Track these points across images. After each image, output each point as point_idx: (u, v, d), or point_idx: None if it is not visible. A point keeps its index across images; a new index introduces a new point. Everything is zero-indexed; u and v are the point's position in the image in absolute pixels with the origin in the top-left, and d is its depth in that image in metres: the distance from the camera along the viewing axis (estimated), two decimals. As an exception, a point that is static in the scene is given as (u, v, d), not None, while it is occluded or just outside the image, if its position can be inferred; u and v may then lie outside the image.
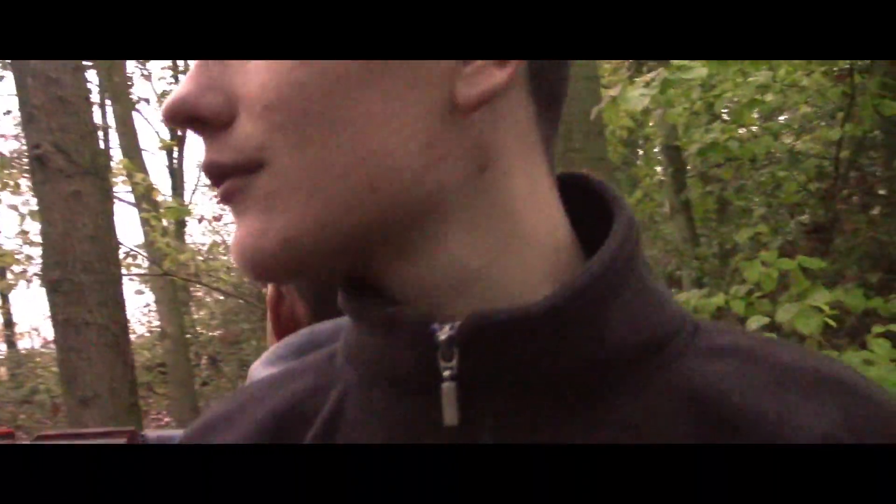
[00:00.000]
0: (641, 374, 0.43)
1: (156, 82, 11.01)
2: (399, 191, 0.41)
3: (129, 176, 4.87)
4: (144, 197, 4.92)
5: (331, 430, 0.47)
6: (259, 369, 0.91)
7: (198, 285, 9.37)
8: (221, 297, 9.83)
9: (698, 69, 2.43)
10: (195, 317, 9.11)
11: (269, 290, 0.94)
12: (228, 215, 9.76)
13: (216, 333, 9.30)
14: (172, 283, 6.14)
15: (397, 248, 0.43)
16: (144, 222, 4.91)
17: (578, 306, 0.41)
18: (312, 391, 0.50)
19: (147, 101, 8.15)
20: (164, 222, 4.79)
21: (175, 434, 1.20)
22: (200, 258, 5.49)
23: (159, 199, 5.07)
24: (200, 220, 6.06)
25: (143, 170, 5.93)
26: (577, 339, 0.42)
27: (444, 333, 0.41)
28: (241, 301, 8.95)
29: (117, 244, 3.65)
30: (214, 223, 7.39)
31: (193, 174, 13.91)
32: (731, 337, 0.46)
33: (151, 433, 1.22)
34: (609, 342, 0.42)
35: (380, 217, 0.42)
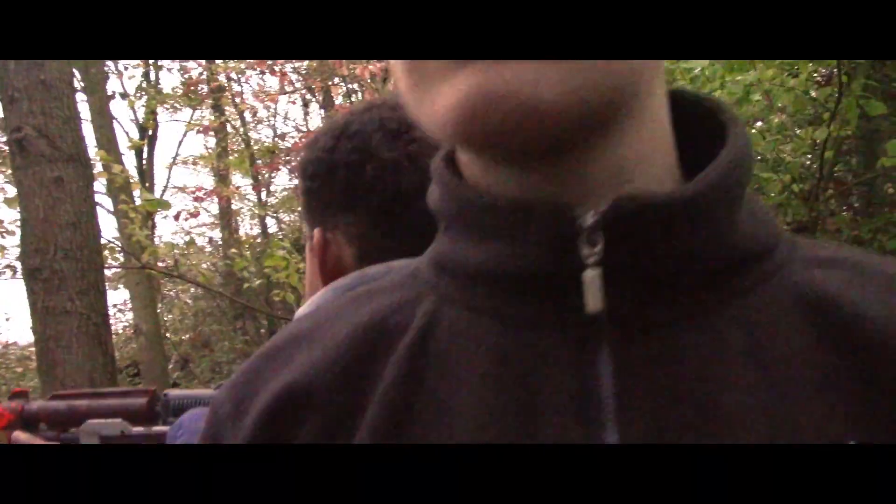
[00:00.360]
0: (758, 275, 0.43)
1: (126, 81, 10.85)
2: (640, 68, 0.40)
3: (106, 168, 4.78)
4: (122, 189, 4.83)
5: (426, 338, 0.45)
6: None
7: (168, 286, 9.24)
8: (190, 301, 9.71)
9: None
10: (166, 318, 8.97)
11: (316, 235, 0.92)
12: (205, 214, 9.65)
13: (186, 337, 9.18)
14: (149, 279, 6.02)
15: (587, 132, 0.41)
16: (122, 214, 4.81)
17: (715, 197, 0.41)
18: (398, 305, 0.48)
19: (123, 95, 8.03)
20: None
21: (199, 393, 1.17)
22: (179, 251, 5.40)
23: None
24: (177, 217, 5.96)
25: (120, 162, 5.83)
26: (711, 232, 0.42)
27: (589, 218, 0.40)
28: (215, 304, 8.85)
29: (99, 232, 3.57)
30: (191, 220, 7.29)
31: (163, 175, 13.72)
32: (831, 249, 0.47)
33: (174, 392, 1.19)
34: (736, 239, 0.43)
35: (618, 90, 0.40)
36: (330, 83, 7.08)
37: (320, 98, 8.71)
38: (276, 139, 8.77)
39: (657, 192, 0.41)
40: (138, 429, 1.16)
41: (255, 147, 8.65)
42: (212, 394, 1.14)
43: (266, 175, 8.88)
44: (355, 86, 6.87)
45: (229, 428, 0.48)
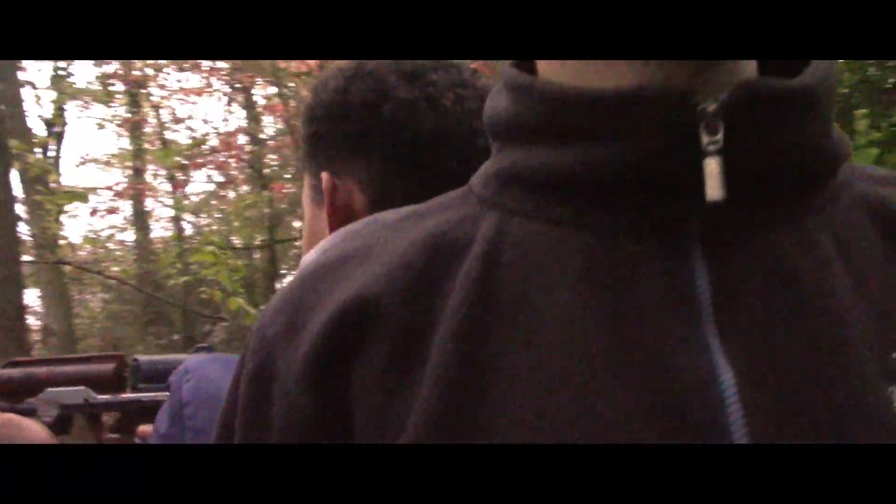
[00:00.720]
0: (837, 185, 0.45)
1: (35, 73, 10.39)
2: None
3: (19, 157, 4.54)
4: (36, 181, 4.59)
5: (495, 252, 0.43)
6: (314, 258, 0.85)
7: (75, 289, 8.83)
8: (98, 306, 9.32)
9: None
10: (76, 320, 8.57)
11: (324, 179, 0.88)
12: (119, 215, 9.27)
13: (95, 341, 8.80)
14: (61, 276, 5.72)
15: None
16: (37, 206, 4.57)
17: (822, 92, 0.42)
18: (458, 220, 0.46)
19: (33, 84, 7.66)
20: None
21: (174, 358, 1.11)
22: (98, 245, 5.17)
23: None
24: (94, 213, 5.70)
25: (34, 153, 5.55)
26: (817, 128, 0.43)
27: (710, 105, 0.39)
28: (127, 308, 8.52)
29: (16, 221, 3.38)
30: (103, 220, 7.01)
31: (71, 174, 13.15)
32: (884, 171, 0.49)
33: (145, 358, 1.12)
34: (830, 142, 0.44)
35: None
36: (256, 83, 6.94)
37: (242, 99, 8.54)
38: (199, 136, 8.53)
39: (774, 80, 0.41)
40: (104, 396, 1.09)
41: (172, 148, 8.40)
42: (188, 358, 1.08)
43: (184, 177, 8.63)
44: (278, 89, 6.75)
45: (282, 347, 0.44)
